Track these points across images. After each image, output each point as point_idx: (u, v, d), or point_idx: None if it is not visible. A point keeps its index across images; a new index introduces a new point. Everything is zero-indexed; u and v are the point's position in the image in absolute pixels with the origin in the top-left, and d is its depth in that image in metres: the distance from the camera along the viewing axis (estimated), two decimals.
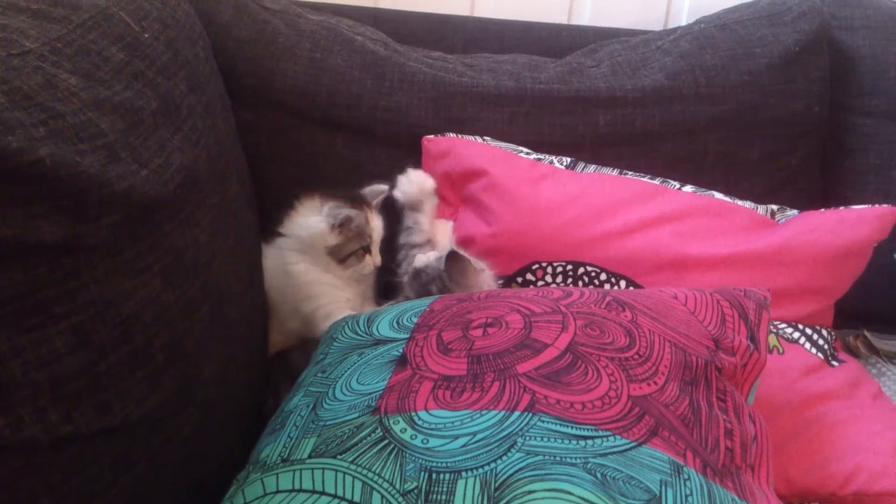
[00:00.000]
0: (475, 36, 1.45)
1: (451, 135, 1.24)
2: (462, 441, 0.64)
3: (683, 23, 1.57)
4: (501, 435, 0.64)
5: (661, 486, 0.60)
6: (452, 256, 1.05)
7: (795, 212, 1.18)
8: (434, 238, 1.21)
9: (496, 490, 0.59)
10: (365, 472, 0.63)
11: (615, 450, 0.63)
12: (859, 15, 1.40)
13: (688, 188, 1.19)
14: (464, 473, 0.61)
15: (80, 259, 0.63)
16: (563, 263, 1.15)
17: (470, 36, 1.44)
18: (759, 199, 1.21)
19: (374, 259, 1.14)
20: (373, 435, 0.66)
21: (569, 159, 1.23)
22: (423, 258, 1.08)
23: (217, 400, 0.84)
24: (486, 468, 0.61)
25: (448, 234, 1.21)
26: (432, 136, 1.23)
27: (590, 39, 1.44)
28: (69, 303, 0.62)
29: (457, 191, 1.24)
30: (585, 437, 0.64)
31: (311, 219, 1.10)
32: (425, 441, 0.64)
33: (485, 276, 1.09)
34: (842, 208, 1.13)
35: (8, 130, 0.57)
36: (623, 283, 1.13)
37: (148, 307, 0.70)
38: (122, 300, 0.67)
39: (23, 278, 0.58)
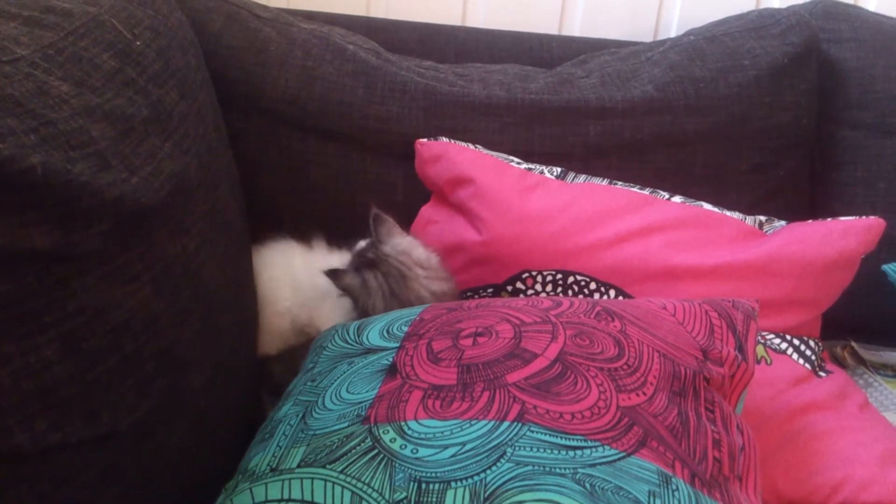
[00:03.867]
0: (467, 46, 1.45)
1: (445, 139, 1.24)
2: (452, 451, 0.64)
3: (673, 34, 1.58)
4: (491, 445, 0.64)
5: (649, 497, 0.60)
6: (375, 218, 1.10)
7: (783, 223, 1.19)
8: None
9: (485, 500, 0.59)
10: (354, 481, 0.63)
11: (604, 460, 0.63)
12: (847, 28, 1.41)
13: (677, 199, 1.20)
14: (453, 483, 0.61)
15: (71, 267, 0.63)
16: (553, 272, 1.15)
17: (461, 46, 1.45)
18: (748, 210, 1.22)
19: None
20: (362, 444, 0.66)
21: (559, 169, 1.23)
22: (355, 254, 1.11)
23: (206, 408, 0.84)
24: (476, 478, 0.61)
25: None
26: (425, 140, 1.23)
27: (580, 50, 1.45)
28: (59, 311, 0.62)
29: (447, 196, 1.24)
30: (574, 448, 0.64)
31: None
32: (415, 451, 0.64)
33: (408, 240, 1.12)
34: (829, 220, 1.14)
35: None
36: (612, 293, 1.13)
37: (138, 315, 0.70)
38: (112, 308, 0.67)
39: (12, 286, 0.58)
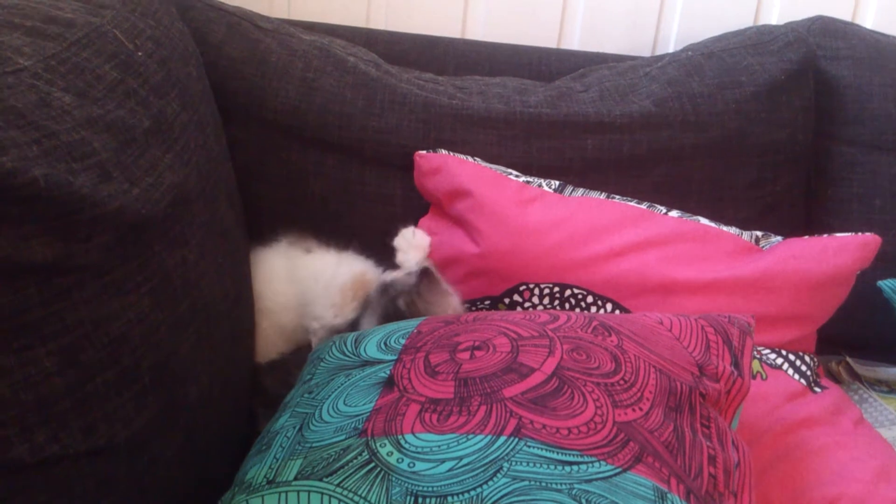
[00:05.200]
0: (466, 58, 1.46)
1: (444, 151, 1.25)
2: (448, 465, 0.64)
3: (671, 49, 1.59)
4: (487, 460, 0.64)
5: None
6: (426, 273, 1.05)
7: (780, 238, 1.19)
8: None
9: None
10: (351, 495, 0.63)
11: (600, 476, 0.63)
12: (844, 45, 1.42)
13: (674, 213, 1.20)
14: (449, 498, 0.61)
15: (70, 279, 0.63)
16: (550, 285, 1.15)
17: (461, 58, 1.45)
18: (744, 225, 1.22)
19: None
20: (359, 458, 0.66)
21: (557, 182, 1.24)
22: (391, 273, 1.07)
23: (203, 420, 0.84)
24: (472, 493, 0.61)
25: (425, 248, 1.16)
26: (424, 153, 1.24)
27: (579, 64, 1.46)
28: (58, 323, 0.62)
29: (445, 208, 1.24)
30: (571, 463, 0.64)
31: None
32: (411, 465, 0.65)
33: (452, 301, 1.09)
34: (825, 236, 1.15)
35: (2, 150, 0.58)
36: (609, 306, 1.14)
37: (136, 327, 0.70)
38: (110, 321, 0.67)
39: (12, 298, 0.58)
